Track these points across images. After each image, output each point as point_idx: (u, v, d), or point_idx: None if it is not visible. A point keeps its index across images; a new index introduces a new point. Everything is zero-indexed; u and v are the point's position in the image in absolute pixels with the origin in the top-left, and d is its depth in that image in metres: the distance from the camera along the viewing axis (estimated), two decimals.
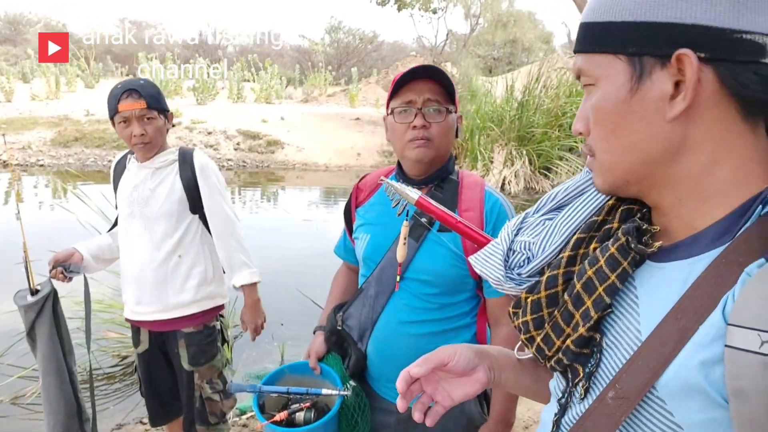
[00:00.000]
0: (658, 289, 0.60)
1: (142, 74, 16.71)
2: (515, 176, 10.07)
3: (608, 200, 0.72)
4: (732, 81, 0.54)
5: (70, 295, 3.84)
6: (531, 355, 0.74)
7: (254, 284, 2.15)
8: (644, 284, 0.62)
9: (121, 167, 2.20)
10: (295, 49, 35.53)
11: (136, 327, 2.23)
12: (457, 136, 1.50)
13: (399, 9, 16.68)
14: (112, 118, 2.03)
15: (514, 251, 0.80)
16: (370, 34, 32.25)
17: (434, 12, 17.63)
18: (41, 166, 10.76)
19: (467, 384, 0.80)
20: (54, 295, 2.10)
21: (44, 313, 2.07)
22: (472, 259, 0.86)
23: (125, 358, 3.71)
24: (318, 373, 1.61)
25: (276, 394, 1.58)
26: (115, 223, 2.27)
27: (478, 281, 1.47)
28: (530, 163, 10.22)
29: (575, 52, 0.65)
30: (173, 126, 2.21)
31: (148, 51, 22.46)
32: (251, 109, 15.16)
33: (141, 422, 3.07)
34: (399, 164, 1.55)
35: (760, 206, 0.56)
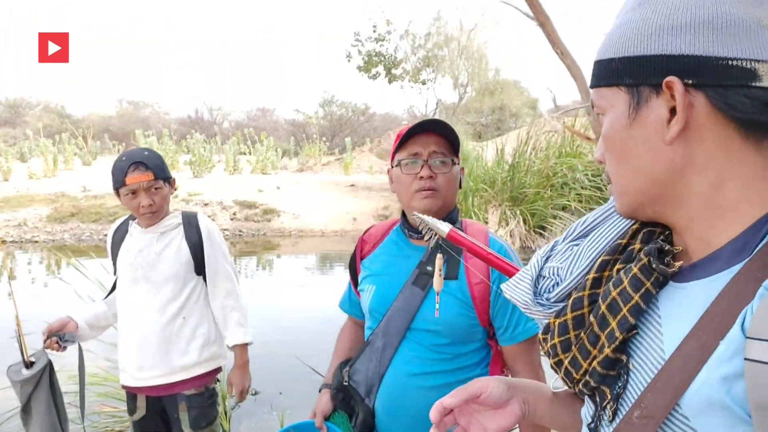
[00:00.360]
0: (680, 308, 0.61)
1: None
2: (510, 236, 10.11)
3: (633, 224, 0.74)
4: (723, 104, 0.57)
5: (64, 368, 3.74)
6: (566, 388, 0.74)
7: (246, 345, 2.17)
8: (667, 304, 0.64)
9: (121, 233, 2.22)
10: (290, 122, 36.51)
11: (132, 394, 2.18)
12: (460, 186, 1.54)
13: (390, 81, 17.31)
14: (117, 189, 2.07)
15: (543, 277, 0.82)
16: (362, 106, 33.28)
17: (423, 83, 18.28)
18: (36, 242, 10.74)
19: (501, 416, 0.80)
20: (50, 366, 2.07)
21: (41, 385, 2.04)
22: (503, 286, 0.87)
23: None
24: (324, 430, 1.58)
25: None
26: (111, 290, 2.26)
27: (488, 329, 1.44)
28: (524, 223, 10.29)
29: (591, 87, 0.72)
30: (176, 190, 2.26)
31: (144, 128, 23.03)
32: (247, 180, 15.37)
33: None
34: (403, 215, 1.56)
35: None
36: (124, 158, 2.04)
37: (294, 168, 19.69)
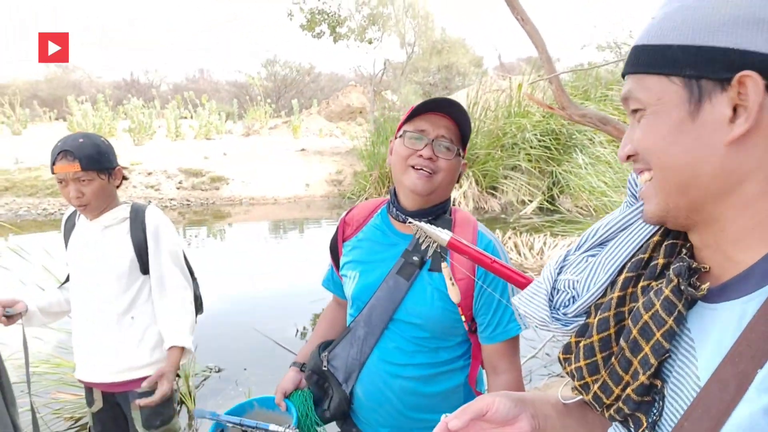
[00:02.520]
0: (713, 331, 0.59)
1: (73, 120, 16.09)
2: (464, 197, 10.24)
3: (652, 236, 0.71)
4: None
5: (11, 358, 3.56)
6: (577, 398, 0.72)
7: (182, 351, 2.02)
8: (696, 326, 0.61)
9: (71, 223, 2.09)
10: (231, 83, 35.26)
11: (88, 387, 2.10)
12: (458, 181, 1.46)
13: (335, 41, 16.84)
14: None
15: (558, 290, 0.78)
16: (307, 66, 32.44)
17: (370, 42, 17.89)
18: None
19: None
20: None
21: None
22: (515, 299, 0.83)
23: (79, 420, 3.44)
24: (284, 409, 1.58)
25: (231, 425, 1.57)
26: (67, 279, 2.14)
27: (471, 324, 1.41)
28: (477, 184, 10.42)
29: (625, 74, 0.66)
30: (124, 180, 2.06)
31: (77, 93, 21.68)
32: (191, 146, 14.82)
33: None
34: (394, 192, 1.49)
35: None
36: (58, 144, 1.90)
37: (240, 132, 19.12)
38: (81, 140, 1.91)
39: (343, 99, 20.44)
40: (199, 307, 2.23)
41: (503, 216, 9.84)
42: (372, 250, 1.50)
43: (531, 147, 10.16)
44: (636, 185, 0.77)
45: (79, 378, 2.08)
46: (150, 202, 2.12)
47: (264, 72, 30.83)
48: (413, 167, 1.38)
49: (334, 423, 1.62)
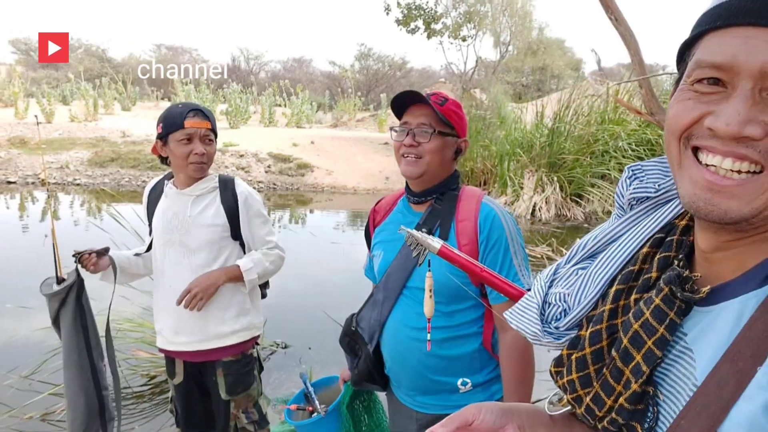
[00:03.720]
0: (710, 332, 0.57)
1: (177, 99, 17.14)
2: (546, 202, 9.95)
3: (641, 248, 0.69)
4: None
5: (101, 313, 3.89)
6: (564, 410, 0.71)
7: (241, 277, 2.04)
8: (693, 329, 0.60)
9: (156, 193, 2.16)
10: (326, 75, 36.17)
11: (170, 358, 2.18)
12: (456, 158, 1.63)
13: (428, 37, 16.84)
14: (169, 134, 1.98)
15: (549, 304, 0.77)
16: (399, 60, 32.68)
17: (463, 40, 17.74)
18: (78, 185, 11.04)
19: None
20: (79, 285, 2.03)
21: (68, 303, 2.01)
22: (506, 314, 0.84)
23: (154, 377, 3.69)
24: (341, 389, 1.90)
25: (306, 393, 1.97)
26: (148, 249, 2.21)
27: (481, 289, 1.53)
28: (561, 190, 10.09)
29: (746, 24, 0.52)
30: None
31: (183, 75, 23.13)
32: (282, 133, 15.40)
33: None
34: (407, 183, 1.68)
35: None
36: (180, 105, 2.02)
37: (328, 123, 19.62)
38: (203, 107, 2.05)
39: (431, 94, 20.42)
40: (265, 284, 2.30)
41: (586, 225, 9.47)
42: (394, 230, 1.65)
43: (623, 156, 9.69)
44: (623, 196, 0.74)
45: (163, 348, 2.16)
46: (228, 168, 2.23)
47: (357, 65, 31.41)
48: (403, 156, 1.58)
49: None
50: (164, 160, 2.08)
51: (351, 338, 1.73)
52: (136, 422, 3.29)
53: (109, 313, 2.17)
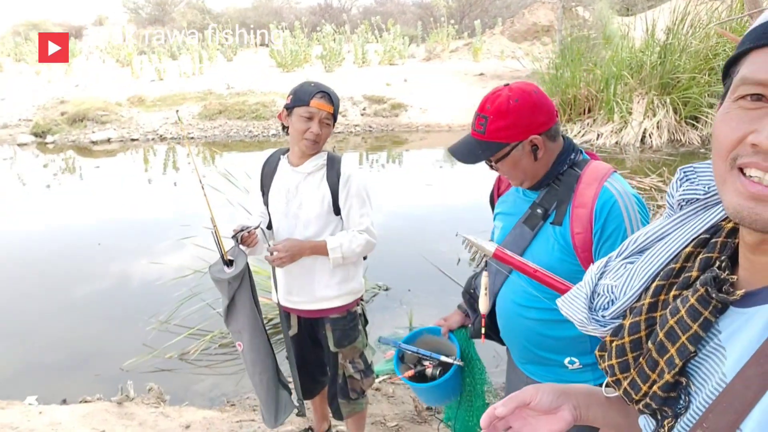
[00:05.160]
0: (742, 333, 0.61)
1: (274, 45, 17.55)
2: (657, 128, 9.28)
3: (685, 247, 0.72)
4: None
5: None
6: (618, 393, 0.76)
7: (326, 252, 2.17)
8: (728, 328, 0.63)
9: (271, 167, 2.32)
10: (417, 4, 35.06)
11: (286, 312, 2.41)
12: (537, 159, 1.49)
13: None
14: (293, 107, 2.14)
15: (598, 294, 0.83)
16: None
17: None
18: (192, 138, 11.88)
19: (552, 421, 0.83)
20: (248, 264, 2.20)
21: (244, 283, 2.19)
22: (558, 302, 0.90)
23: (271, 320, 4.06)
24: (446, 339, 1.95)
25: (410, 352, 1.99)
26: (269, 226, 2.36)
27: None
28: (675, 113, 9.33)
29: None
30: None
31: (278, 20, 23.51)
32: (375, 73, 15.38)
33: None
34: None
35: None
36: (312, 84, 2.17)
37: (421, 57, 19.20)
38: (331, 91, 2.18)
39: (529, 17, 19.23)
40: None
41: (702, 150, 8.75)
42: (513, 203, 1.65)
43: None
44: (673, 197, 0.76)
45: (281, 304, 2.38)
46: (330, 151, 2.30)
47: None
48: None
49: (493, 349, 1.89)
50: (285, 129, 2.24)
51: (471, 296, 1.81)
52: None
53: (276, 295, 2.35)
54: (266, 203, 2.34)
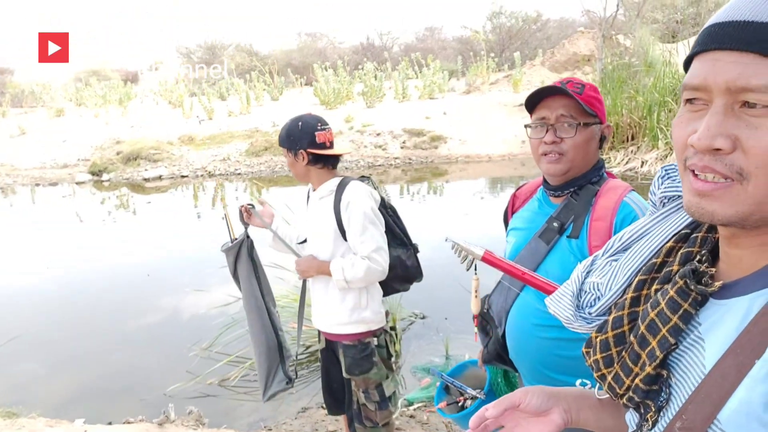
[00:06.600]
0: (721, 324, 0.62)
1: (317, 83, 18.10)
2: None
3: (666, 243, 0.74)
4: None
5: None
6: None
7: (329, 275, 2.23)
8: (707, 320, 0.65)
9: (308, 194, 2.49)
10: (457, 40, 35.54)
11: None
12: (601, 146, 1.52)
13: None
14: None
15: (584, 291, 0.85)
16: (534, 14, 31.00)
17: None
18: (239, 174, 12.30)
19: (542, 424, 0.85)
20: (250, 242, 2.50)
21: (242, 256, 2.48)
22: (547, 301, 0.92)
23: (309, 347, 4.14)
24: (483, 371, 1.90)
25: (449, 384, 1.95)
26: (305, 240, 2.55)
27: None
28: None
29: (727, 48, 0.58)
30: (305, 161, 2.27)
31: (322, 60, 24.28)
32: (415, 107, 15.61)
33: (322, 407, 3.43)
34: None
35: None
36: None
37: (461, 90, 19.39)
38: (288, 121, 2.31)
39: (569, 47, 19.17)
40: (417, 274, 2.40)
41: None
42: (529, 218, 1.63)
43: None
44: (655, 194, 0.79)
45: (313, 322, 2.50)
46: (348, 177, 2.39)
47: (489, 25, 30.43)
48: (544, 155, 1.49)
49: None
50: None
51: (483, 318, 1.74)
52: (294, 387, 3.74)
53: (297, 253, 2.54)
54: None
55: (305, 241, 2.49)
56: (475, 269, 1.41)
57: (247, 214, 2.46)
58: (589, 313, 0.84)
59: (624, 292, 0.78)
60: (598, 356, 0.76)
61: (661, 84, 10.01)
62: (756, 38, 0.56)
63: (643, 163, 9.57)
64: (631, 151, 10.00)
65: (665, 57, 10.81)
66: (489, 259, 1.21)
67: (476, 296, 1.41)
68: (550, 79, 17.74)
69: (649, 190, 0.82)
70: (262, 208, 2.51)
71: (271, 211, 2.52)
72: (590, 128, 1.48)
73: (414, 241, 2.43)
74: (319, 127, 2.27)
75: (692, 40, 11.58)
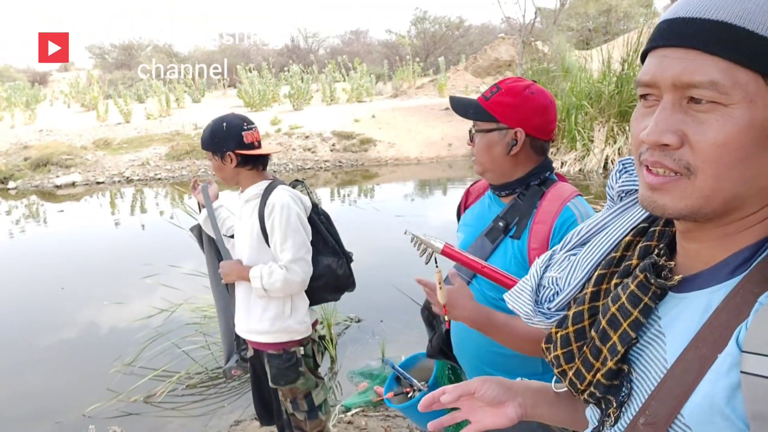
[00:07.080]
0: (681, 318, 0.63)
1: (241, 85, 17.67)
2: (619, 154, 9.56)
3: (625, 236, 0.74)
4: None
5: (187, 301, 4.19)
6: (567, 387, 0.77)
7: (248, 282, 2.15)
8: (667, 314, 0.65)
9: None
10: (383, 44, 35.86)
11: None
12: (509, 152, 1.48)
13: None
14: None
15: (543, 286, 0.85)
16: (456, 20, 31.82)
17: None
18: (159, 179, 11.75)
19: (496, 414, 0.85)
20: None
21: (203, 237, 2.56)
22: (505, 296, 0.91)
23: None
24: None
25: (399, 376, 1.99)
26: (233, 236, 2.42)
27: None
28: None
29: (703, 50, 0.56)
30: (232, 163, 2.17)
31: (246, 61, 23.70)
32: (344, 110, 15.55)
33: (256, 419, 3.29)
34: None
35: None
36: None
37: (389, 94, 19.56)
38: (210, 123, 2.19)
39: (491, 52, 19.80)
40: (350, 284, 2.29)
41: None
42: (478, 215, 1.65)
43: None
44: (612, 188, 0.79)
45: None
46: (277, 180, 2.29)
47: (413, 30, 30.91)
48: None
49: None
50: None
51: (429, 312, 1.75)
52: (225, 400, 3.59)
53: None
54: None
55: (233, 236, 2.38)
56: (436, 262, 1.38)
57: (194, 185, 2.48)
58: (549, 309, 0.82)
59: (583, 286, 0.77)
60: (559, 352, 0.75)
61: (577, 88, 10.50)
62: (699, 35, 0.56)
63: (563, 163, 10.02)
64: (551, 153, 10.42)
65: (581, 63, 11.36)
66: (449, 253, 1.20)
67: (441, 287, 1.36)
68: (473, 84, 18.24)
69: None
70: (210, 187, 2.47)
71: (217, 191, 2.48)
72: (489, 134, 1.49)
73: (348, 250, 2.33)
74: (245, 127, 2.16)
75: (605, 46, 12.26)
